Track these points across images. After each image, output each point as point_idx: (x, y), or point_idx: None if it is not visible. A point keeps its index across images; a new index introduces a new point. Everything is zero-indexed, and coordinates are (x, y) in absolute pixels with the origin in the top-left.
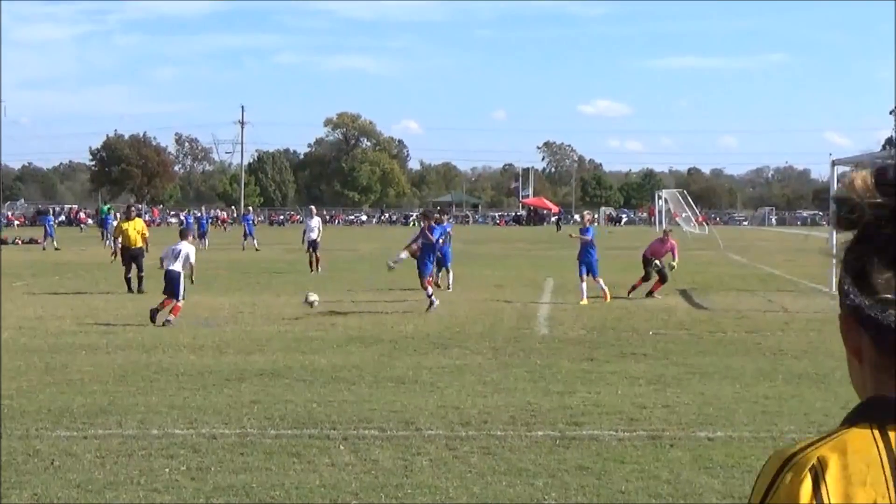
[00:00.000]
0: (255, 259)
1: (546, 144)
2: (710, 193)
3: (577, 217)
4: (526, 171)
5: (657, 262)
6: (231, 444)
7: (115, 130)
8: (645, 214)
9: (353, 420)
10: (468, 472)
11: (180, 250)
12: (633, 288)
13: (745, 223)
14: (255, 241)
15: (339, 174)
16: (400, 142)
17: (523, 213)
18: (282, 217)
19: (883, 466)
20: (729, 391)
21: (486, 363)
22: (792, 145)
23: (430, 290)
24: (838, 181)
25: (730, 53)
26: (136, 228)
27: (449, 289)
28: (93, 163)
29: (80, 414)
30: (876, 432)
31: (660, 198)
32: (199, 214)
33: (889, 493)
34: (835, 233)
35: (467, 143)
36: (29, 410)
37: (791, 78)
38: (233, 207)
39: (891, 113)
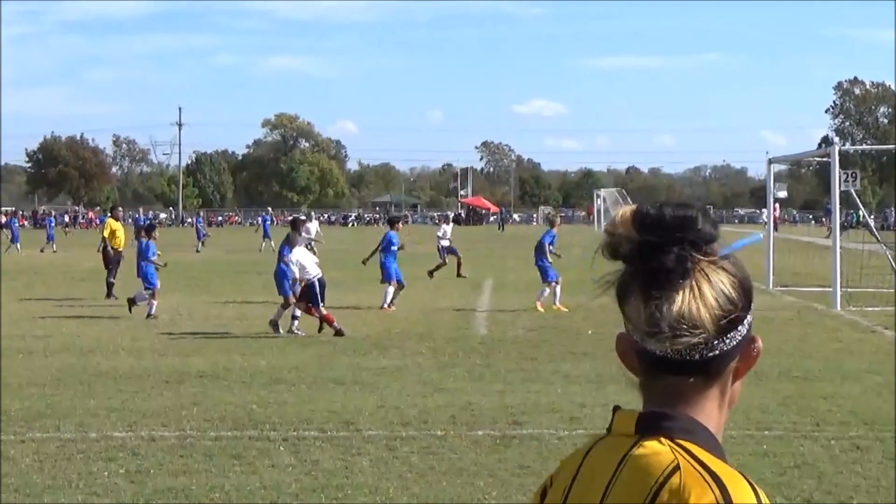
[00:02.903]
0: (193, 260)
1: (484, 144)
2: (648, 192)
3: (516, 217)
4: (464, 170)
5: None
6: (170, 446)
7: (52, 132)
8: (584, 213)
9: (293, 421)
10: (408, 473)
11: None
12: None
13: None
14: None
15: (278, 175)
16: (338, 142)
17: (462, 212)
18: (220, 218)
19: (576, 468)
20: None
21: (426, 363)
22: (729, 144)
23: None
24: (774, 180)
25: (665, 53)
26: (122, 230)
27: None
28: (29, 165)
29: (17, 418)
30: (597, 440)
31: (598, 197)
32: (137, 216)
33: (566, 490)
34: (772, 233)
35: (405, 143)
36: None
37: (727, 77)
38: (171, 209)
39: (826, 111)
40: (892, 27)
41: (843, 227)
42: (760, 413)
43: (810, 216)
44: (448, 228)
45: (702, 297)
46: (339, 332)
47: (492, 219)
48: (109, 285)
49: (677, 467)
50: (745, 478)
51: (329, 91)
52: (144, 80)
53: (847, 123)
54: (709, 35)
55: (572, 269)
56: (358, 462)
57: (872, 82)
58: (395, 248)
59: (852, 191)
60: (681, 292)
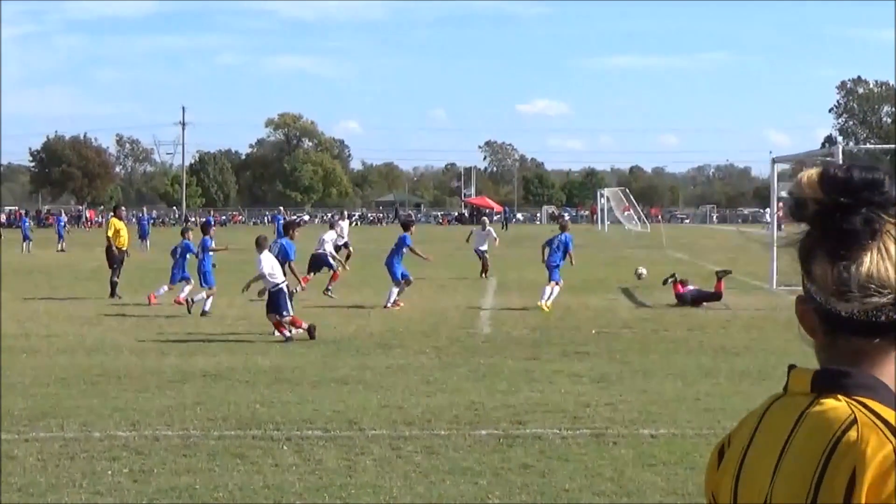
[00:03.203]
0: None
1: (487, 144)
2: (651, 192)
3: (519, 216)
4: (468, 170)
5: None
6: (174, 445)
7: (56, 131)
8: (587, 213)
9: (296, 421)
10: (412, 472)
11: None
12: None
13: (687, 221)
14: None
15: (281, 174)
16: (341, 142)
17: (466, 212)
18: (224, 218)
19: (755, 425)
20: (672, 389)
21: (430, 363)
22: (732, 143)
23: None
24: (778, 179)
25: (669, 52)
26: (126, 229)
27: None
28: (33, 164)
29: (21, 417)
30: (775, 399)
31: (602, 196)
32: (141, 215)
33: (745, 447)
34: (775, 230)
35: (409, 142)
36: None
37: (730, 77)
38: (174, 208)
39: (830, 111)
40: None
41: None
42: None
43: None
44: (485, 235)
45: (890, 257)
46: (310, 332)
47: (495, 218)
48: (113, 284)
49: (854, 420)
50: None
51: (332, 91)
52: (148, 79)
53: (851, 123)
54: (712, 35)
55: (579, 270)
56: (361, 461)
57: (876, 81)
58: (404, 249)
59: None
60: (869, 253)
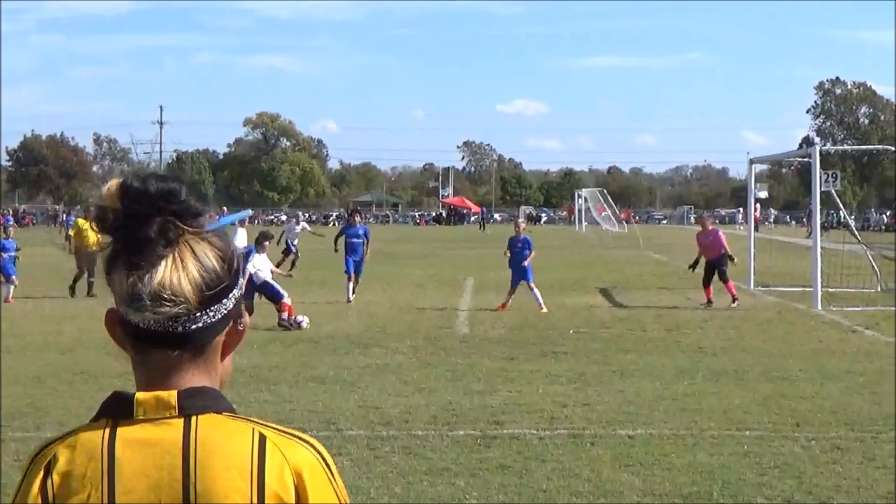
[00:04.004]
0: None
1: (466, 144)
2: (629, 192)
3: (497, 217)
4: (446, 170)
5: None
6: None
7: (33, 130)
8: (565, 213)
9: (273, 421)
10: (389, 472)
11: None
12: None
13: (665, 221)
14: None
15: (259, 174)
16: (319, 141)
17: (444, 212)
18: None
19: (102, 460)
20: (649, 389)
21: (407, 363)
22: (710, 144)
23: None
24: (755, 180)
25: (647, 53)
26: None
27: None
28: (9, 163)
29: None
30: (107, 429)
31: (579, 196)
32: None
33: (103, 485)
34: (752, 233)
35: (387, 142)
36: None
37: (708, 77)
38: None
39: (808, 111)
40: (872, 28)
41: (823, 228)
42: (741, 413)
43: (787, 217)
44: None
45: (185, 267)
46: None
47: (472, 218)
48: (90, 284)
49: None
50: None
51: (310, 90)
52: (125, 78)
53: (828, 124)
54: (691, 35)
55: (557, 271)
56: (339, 462)
57: (854, 82)
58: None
59: (833, 191)
60: (164, 262)
